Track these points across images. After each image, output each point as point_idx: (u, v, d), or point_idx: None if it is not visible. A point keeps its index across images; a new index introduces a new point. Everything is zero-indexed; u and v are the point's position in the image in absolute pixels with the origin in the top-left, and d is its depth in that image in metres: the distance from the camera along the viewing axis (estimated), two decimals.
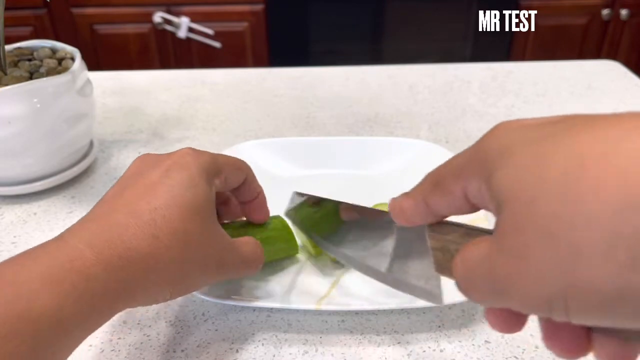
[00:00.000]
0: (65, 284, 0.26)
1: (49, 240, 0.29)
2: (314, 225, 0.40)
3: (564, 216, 0.18)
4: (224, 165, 0.35)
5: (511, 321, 0.23)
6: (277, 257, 0.42)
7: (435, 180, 0.25)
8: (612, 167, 0.17)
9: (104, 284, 0.27)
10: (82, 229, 0.29)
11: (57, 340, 0.25)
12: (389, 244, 0.32)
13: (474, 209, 0.24)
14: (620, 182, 0.17)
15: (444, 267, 0.26)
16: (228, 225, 0.40)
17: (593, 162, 0.18)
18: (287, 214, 0.42)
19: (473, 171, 0.22)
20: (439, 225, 0.26)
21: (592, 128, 0.18)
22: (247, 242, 0.36)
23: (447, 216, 0.26)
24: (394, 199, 0.27)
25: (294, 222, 0.42)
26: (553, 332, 0.21)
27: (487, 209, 0.22)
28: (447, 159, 0.25)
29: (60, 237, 0.29)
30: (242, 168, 0.37)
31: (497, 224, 0.20)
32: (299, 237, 0.43)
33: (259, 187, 0.39)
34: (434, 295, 0.29)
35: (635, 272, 0.17)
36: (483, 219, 0.43)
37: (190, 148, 0.34)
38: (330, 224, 0.38)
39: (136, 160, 0.34)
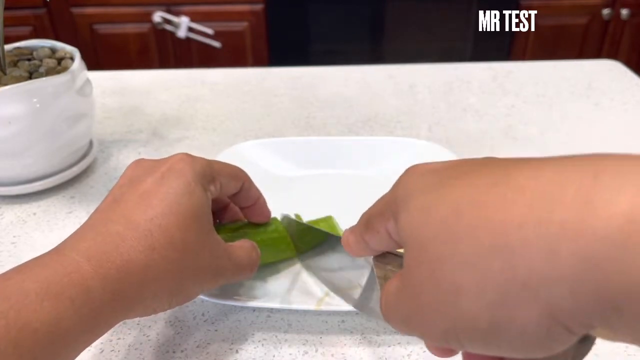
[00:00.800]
0: (63, 297, 0.26)
1: (47, 252, 0.29)
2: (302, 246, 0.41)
3: (445, 258, 0.19)
4: (219, 172, 0.35)
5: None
6: (276, 259, 0.42)
7: (366, 220, 0.26)
8: (481, 213, 0.19)
9: (101, 297, 0.27)
10: (80, 240, 0.29)
11: (56, 353, 0.25)
12: (360, 273, 0.34)
13: (399, 246, 0.25)
14: (488, 227, 0.18)
15: None
16: (227, 226, 0.40)
17: (466, 208, 0.19)
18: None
19: (389, 213, 0.24)
20: (383, 255, 0.28)
21: (469, 176, 0.20)
22: (241, 247, 0.36)
23: (384, 251, 0.27)
24: (345, 232, 0.28)
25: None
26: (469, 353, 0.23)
27: None
28: (377, 200, 0.26)
29: (58, 249, 0.29)
30: (238, 176, 0.37)
31: (404, 264, 0.22)
32: None
33: (257, 192, 0.39)
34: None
35: (503, 309, 0.18)
36: None
37: (185, 153, 0.34)
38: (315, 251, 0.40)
39: (130, 165, 0.34)
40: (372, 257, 0.28)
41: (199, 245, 0.32)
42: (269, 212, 0.40)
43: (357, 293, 0.34)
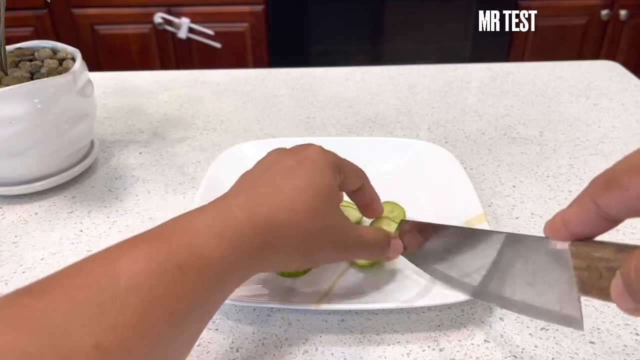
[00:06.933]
0: (225, 238, 0.30)
1: (211, 202, 0.33)
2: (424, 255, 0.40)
3: None
4: (345, 167, 0.39)
5: None
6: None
7: (608, 179, 0.24)
8: None
9: (253, 242, 0.31)
10: (234, 196, 0.34)
11: (218, 284, 0.30)
12: (510, 268, 0.32)
13: None
14: None
15: (591, 287, 0.26)
16: None
17: None
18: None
19: None
20: (584, 244, 0.26)
21: None
22: (370, 229, 0.40)
23: (620, 219, 0.25)
24: (552, 219, 0.27)
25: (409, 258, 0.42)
26: None
27: None
28: (619, 160, 0.24)
29: (215, 201, 0.34)
30: (360, 175, 0.41)
31: None
32: None
33: (374, 193, 0.43)
34: (574, 319, 0.28)
35: None
36: (482, 218, 0.44)
37: (318, 146, 0.39)
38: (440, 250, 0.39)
39: (271, 151, 0.40)
40: (567, 245, 0.27)
41: (331, 217, 0.36)
42: (381, 211, 0.44)
43: (506, 290, 0.33)
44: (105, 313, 0.24)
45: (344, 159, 0.40)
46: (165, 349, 0.26)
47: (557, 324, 0.30)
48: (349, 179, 0.40)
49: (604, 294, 0.25)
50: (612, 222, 0.25)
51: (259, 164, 0.38)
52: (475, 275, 0.36)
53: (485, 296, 0.36)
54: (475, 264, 0.35)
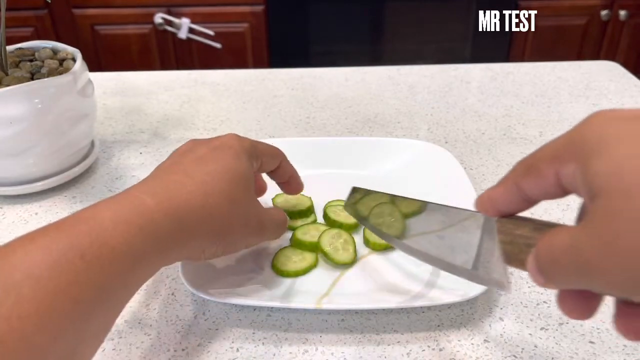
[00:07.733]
0: (133, 224, 0.30)
1: (121, 192, 0.33)
2: (374, 216, 0.41)
3: None
4: (262, 152, 0.40)
5: (585, 307, 0.24)
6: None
7: (528, 164, 0.26)
8: None
9: (164, 229, 0.31)
10: (144, 185, 0.34)
11: (127, 272, 0.29)
12: (457, 239, 0.34)
13: (564, 193, 0.25)
14: None
15: (514, 259, 0.28)
16: None
17: None
18: (347, 207, 0.43)
19: (568, 157, 0.24)
20: (508, 220, 0.28)
21: None
22: (276, 210, 0.42)
23: (537, 200, 0.27)
24: (480, 196, 0.29)
25: (355, 215, 0.43)
26: (627, 317, 0.23)
27: (578, 194, 0.24)
28: (539, 147, 0.26)
29: (125, 190, 0.33)
30: (277, 155, 0.42)
31: (589, 210, 0.22)
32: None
33: (292, 169, 0.44)
34: (502, 284, 0.31)
35: None
36: None
37: (234, 134, 0.39)
38: (395, 218, 0.39)
39: (186, 142, 0.39)
40: (494, 220, 0.28)
41: (246, 201, 0.36)
42: (301, 186, 0.45)
43: (453, 258, 0.34)
44: None
45: (260, 142, 0.40)
46: (71, 339, 0.26)
47: (489, 286, 0.33)
48: (266, 161, 0.41)
49: (523, 266, 0.27)
50: (531, 202, 0.27)
51: (172, 154, 0.38)
52: (424, 243, 0.37)
53: (432, 261, 0.37)
54: (422, 231, 0.37)
